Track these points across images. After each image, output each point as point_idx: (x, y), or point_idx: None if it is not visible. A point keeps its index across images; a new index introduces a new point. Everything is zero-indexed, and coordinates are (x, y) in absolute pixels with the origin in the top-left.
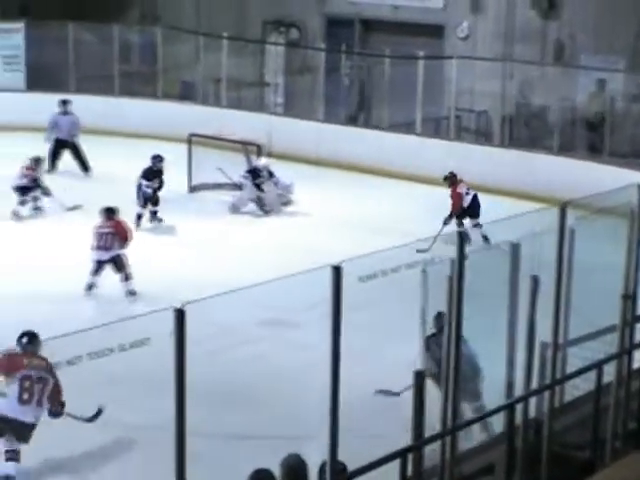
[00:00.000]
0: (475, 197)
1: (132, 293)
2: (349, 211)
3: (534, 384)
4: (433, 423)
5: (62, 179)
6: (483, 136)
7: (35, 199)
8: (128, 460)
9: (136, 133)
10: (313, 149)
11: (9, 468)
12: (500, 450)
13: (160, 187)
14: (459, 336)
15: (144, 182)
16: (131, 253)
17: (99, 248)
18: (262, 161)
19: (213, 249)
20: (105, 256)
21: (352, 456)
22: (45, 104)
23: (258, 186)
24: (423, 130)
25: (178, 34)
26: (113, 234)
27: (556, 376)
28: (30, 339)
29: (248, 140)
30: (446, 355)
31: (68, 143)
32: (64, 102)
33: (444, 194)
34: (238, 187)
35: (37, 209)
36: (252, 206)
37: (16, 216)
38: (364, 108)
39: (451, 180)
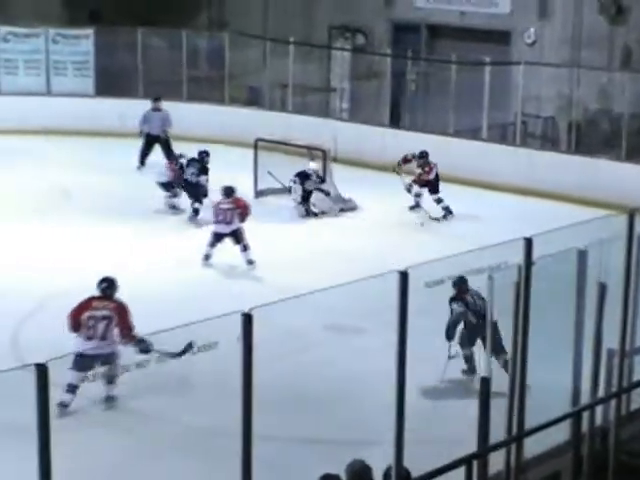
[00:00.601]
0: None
1: (251, 262)
2: (414, 217)
3: (601, 392)
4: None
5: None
6: (549, 142)
7: (174, 195)
8: (193, 464)
9: (203, 138)
10: (378, 154)
11: (111, 390)
12: (566, 458)
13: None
14: (525, 344)
15: (203, 178)
16: (196, 254)
17: (220, 222)
18: (312, 165)
19: (278, 253)
20: (226, 229)
21: (415, 462)
22: (113, 109)
23: (305, 190)
24: (489, 136)
25: (245, 39)
26: (233, 209)
27: (623, 384)
28: (108, 284)
29: (314, 145)
30: (512, 360)
31: (159, 138)
32: (155, 99)
33: (511, 200)
34: (288, 190)
35: (173, 207)
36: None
37: (174, 208)
38: (429, 114)
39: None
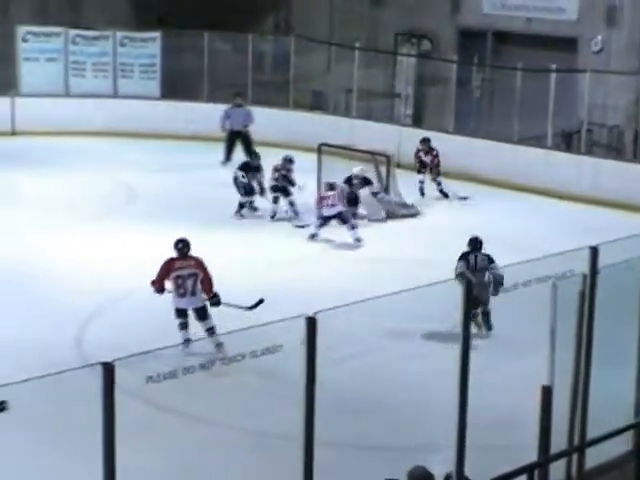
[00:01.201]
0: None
1: (358, 240)
2: (477, 224)
3: None
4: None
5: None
6: (615, 151)
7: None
8: (255, 468)
9: (268, 142)
10: (442, 161)
11: (188, 334)
12: (628, 469)
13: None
14: (590, 354)
15: (240, 173)
16: (258, 260)
17: (326, 206)
18: (356, 169)
19: (337, 259)
20: (331, 211)
21: (476, 469)
22: (178, 112)
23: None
24: (554, 144)
25: (311, 45)
26: (336, 195)
27: None
28: (184, 244)
29: (378, 150)
30: (575, 369)
31: (241, 134)
32: (236, 95)
33: (574, 209)
34: None
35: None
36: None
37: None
38: (493, 121)
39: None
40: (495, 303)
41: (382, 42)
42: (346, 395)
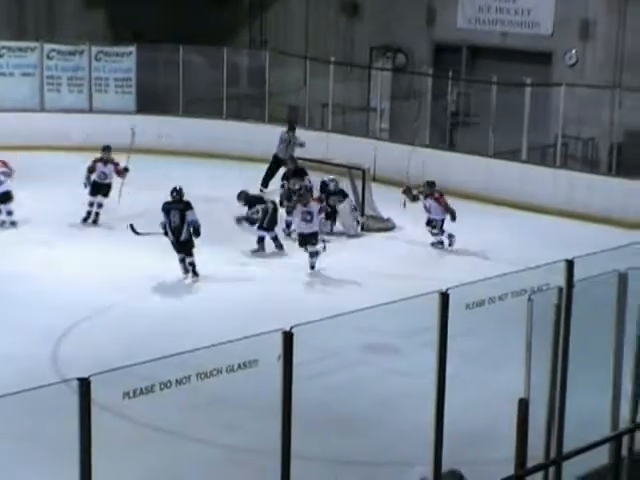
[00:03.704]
0: None
1: (312, 267)
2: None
3: None
4: None
5: None
6: (590, 164)
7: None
8: None
9: (243, 156)
10: (418, 174)
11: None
12: None
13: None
14: (566, 367)
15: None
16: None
17: (304, 220)
18: (327, 179)
19: (314, 275)
20: (306, 230)
21: None
22: (153, 126)
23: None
24: (529, 157)
25: (286, 58)
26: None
27: None
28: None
29: (353, 164)
30: (551, 383)
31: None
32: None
33: (550, 222)
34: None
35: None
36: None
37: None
38: (469, 134)
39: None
40: (471, 317)
41: (357, 56)
42: (323, 410)
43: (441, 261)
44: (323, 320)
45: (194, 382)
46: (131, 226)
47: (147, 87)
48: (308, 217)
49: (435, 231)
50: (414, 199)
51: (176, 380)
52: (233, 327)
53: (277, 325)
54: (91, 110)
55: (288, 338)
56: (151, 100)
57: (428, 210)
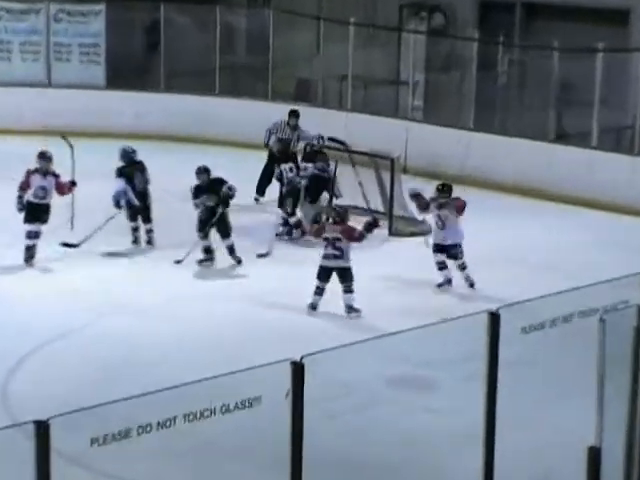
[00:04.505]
0: None
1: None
2: (505, 243)
3: None
4: None
5: None
6: None
7: None
8: None
9: (239, 142)
10: (459, 164)
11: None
12: None
13: None
14: None
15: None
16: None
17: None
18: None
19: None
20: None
21: None
22: (128, 104)
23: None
24: (600, 143)
25: (294, 19)
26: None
27: None
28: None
29: (379, 152)
30: (629, 428)
31: None
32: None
33: (626, 224)
34: None
35: None
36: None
37: None
38: (524, 114)
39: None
40: (527, 342)
41: (383, 16)
42: (340, 458)
43: (486, 271)
44: (340, 348)
45: (180, 425)
46: (64, 244)
47: (119, 56)
48: (338, 252)
49: (448, 263)
50: (425, 208)
51: (158, 423)
52: (226, 355)
53: (282, 352)
54: (49, 84)
55: (298, 370)
56: (125, 72)
57: (441, 226)
